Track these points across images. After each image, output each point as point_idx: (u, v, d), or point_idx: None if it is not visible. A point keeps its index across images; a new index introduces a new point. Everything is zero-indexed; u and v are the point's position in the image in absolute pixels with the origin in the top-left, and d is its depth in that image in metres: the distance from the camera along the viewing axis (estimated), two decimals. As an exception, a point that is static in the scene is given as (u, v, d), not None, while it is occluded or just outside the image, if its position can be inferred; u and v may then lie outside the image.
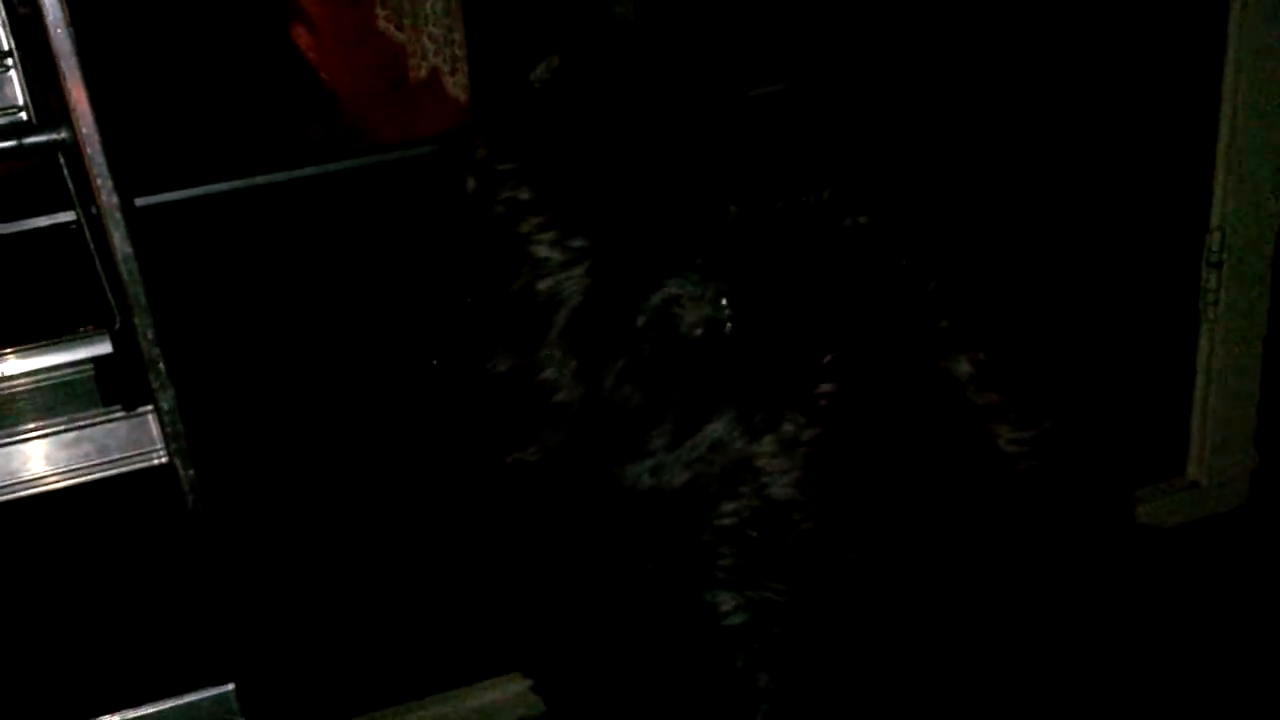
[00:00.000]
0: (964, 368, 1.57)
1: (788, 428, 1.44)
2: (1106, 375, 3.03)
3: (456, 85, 2.48)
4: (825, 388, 1.45)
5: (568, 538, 1.61)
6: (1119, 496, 1.74)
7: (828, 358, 1.47)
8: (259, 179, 2.18)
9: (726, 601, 1.45)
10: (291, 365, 2.33)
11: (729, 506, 1.45)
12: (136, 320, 1.80)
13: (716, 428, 1.46)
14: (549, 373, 1.54)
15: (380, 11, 2.49)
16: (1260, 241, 2.96)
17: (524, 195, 1.59)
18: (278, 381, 2.33)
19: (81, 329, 2.02)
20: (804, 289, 1.52)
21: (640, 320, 1.51)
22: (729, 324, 1.49)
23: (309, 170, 2.21)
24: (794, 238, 1.56)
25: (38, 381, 2.00)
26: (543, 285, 1.55)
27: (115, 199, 1.75)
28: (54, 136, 1.79)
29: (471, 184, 1.66)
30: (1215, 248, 2.95)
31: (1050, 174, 2.77)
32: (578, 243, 1.55)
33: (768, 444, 1.44)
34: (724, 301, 1.49)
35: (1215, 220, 2.94)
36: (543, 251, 1.56)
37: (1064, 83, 2.70)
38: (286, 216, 2.24)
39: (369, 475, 2.45)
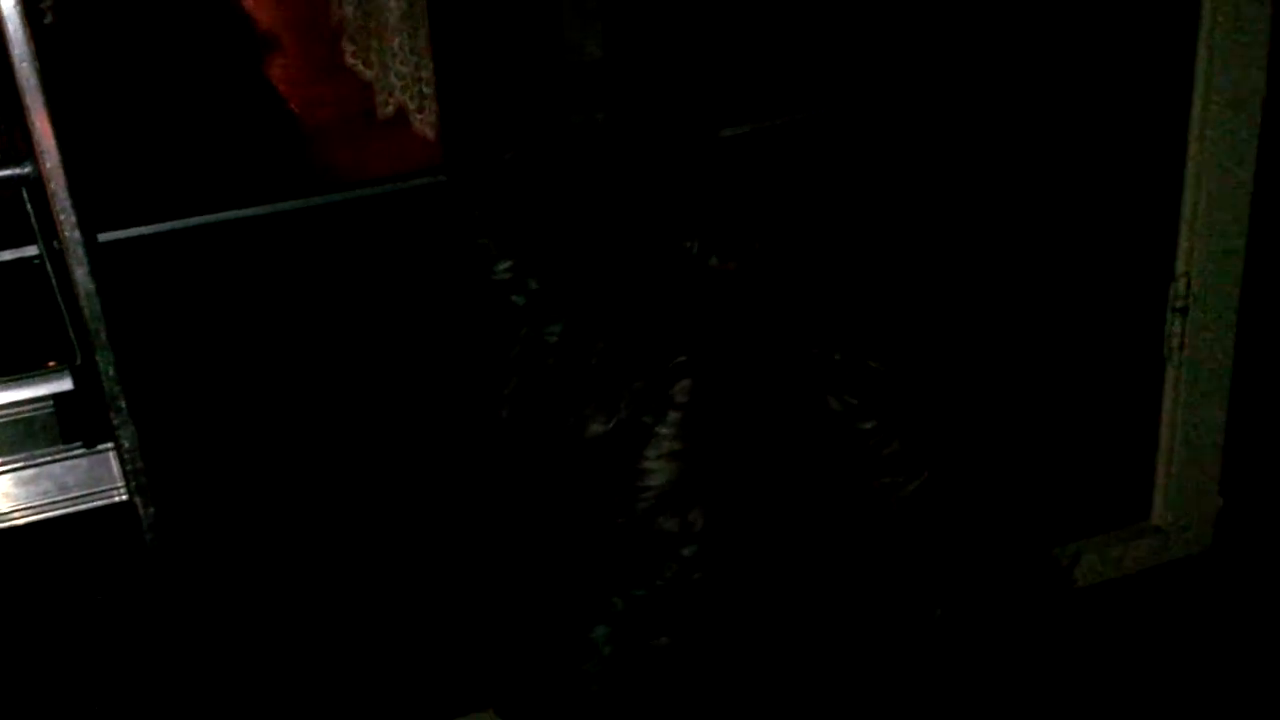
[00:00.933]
0: (835, 404, 1.65)
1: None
2: (1071, 419, 3.04)
3: (424, 123, 2.47)
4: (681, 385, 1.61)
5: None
6: (1020, 542, 1.77)
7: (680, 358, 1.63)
8: (223, 215, 2.17)
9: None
10: (254, 402, 2.31)
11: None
12: (98, 357, 1.79)
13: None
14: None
15: (348, 47, 2.48)
16: (1225, 288, 2.98)
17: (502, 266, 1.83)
18: (240, 419, 2.32)
19: (42, 365, 2.00)
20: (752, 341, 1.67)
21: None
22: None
23: (274, 207, 2.20)
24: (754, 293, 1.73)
25: (-3, 418, 1.98)
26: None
27: (78, 234, 1.74)
28: (17, 171, 1.77)
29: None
30: (1180, 294, 2.97)
31: (1016, 219, 2.78)
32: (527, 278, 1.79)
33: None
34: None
35: (1180, 267, 2.95)
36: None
37: (1031, 129, 2.71)
38: (251, 253, 2.23)
39: (332, 513, 2.44)
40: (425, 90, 2.43)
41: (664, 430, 1.62)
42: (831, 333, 1.77)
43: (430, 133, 2.46)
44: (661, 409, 1.62)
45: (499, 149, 1.92)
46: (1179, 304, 2.98)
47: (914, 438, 1.66)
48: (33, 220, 1.85)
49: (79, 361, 1.91)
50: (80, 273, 1.76)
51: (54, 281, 1.87)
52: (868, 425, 1.64)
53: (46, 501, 1.99)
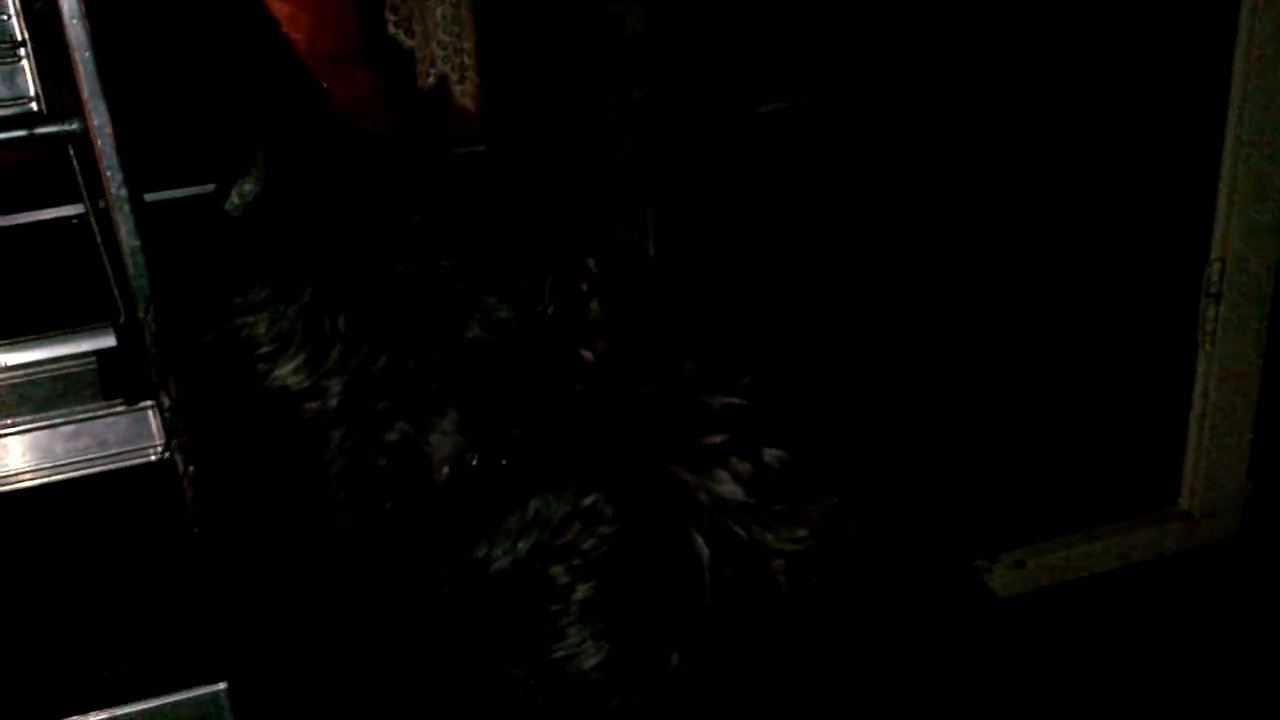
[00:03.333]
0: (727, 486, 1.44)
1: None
2: (1102, 403, 3.03)
3: (465, 94, 2.48)
4: (602, 531, 1.39)
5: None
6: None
7: (589, 500, 1.39)
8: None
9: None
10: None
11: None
12: (141, 314, 1.81)
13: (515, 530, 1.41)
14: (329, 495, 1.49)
15: (390, 17, 2.49)
16: (1260, 274, 2.97)
17: (260, 329, 1.50)
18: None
19: (84, 322, 2.02)
20: (544, 412, 1.45)
21: (382, 462, 1.45)
22: (473, 458, 1.43)
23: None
24: (527, 356, 1.48)
25: (39, 373, 2.00)
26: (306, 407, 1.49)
27: (124, 192, 1.76)
28: (64, 127, 1.79)
29: (209, 338, 1.56)
30: (1215, 279, 2.96)
31: (1052, 204, 2.78)
32: (325, 382, 1.47)
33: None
34: (459, 434, 1.43)
35: (1215, 251, 2.95)
36: (289, 380, 1.48)
37: (1068, 109, 2.71)
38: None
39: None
40: (467, 61, 2.44)
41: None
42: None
43: (471, 104, 2.48)
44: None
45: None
46: (1213, 289, 2.97)
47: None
48: (79, 177, 1.87)
49: (122, 319, 1.92)
50: (125, 230, 1.78)
51: (99, 239, 1.89)
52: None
53: (86, 458, 2.00)
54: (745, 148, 2.51)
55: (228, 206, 1.58)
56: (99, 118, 1.73)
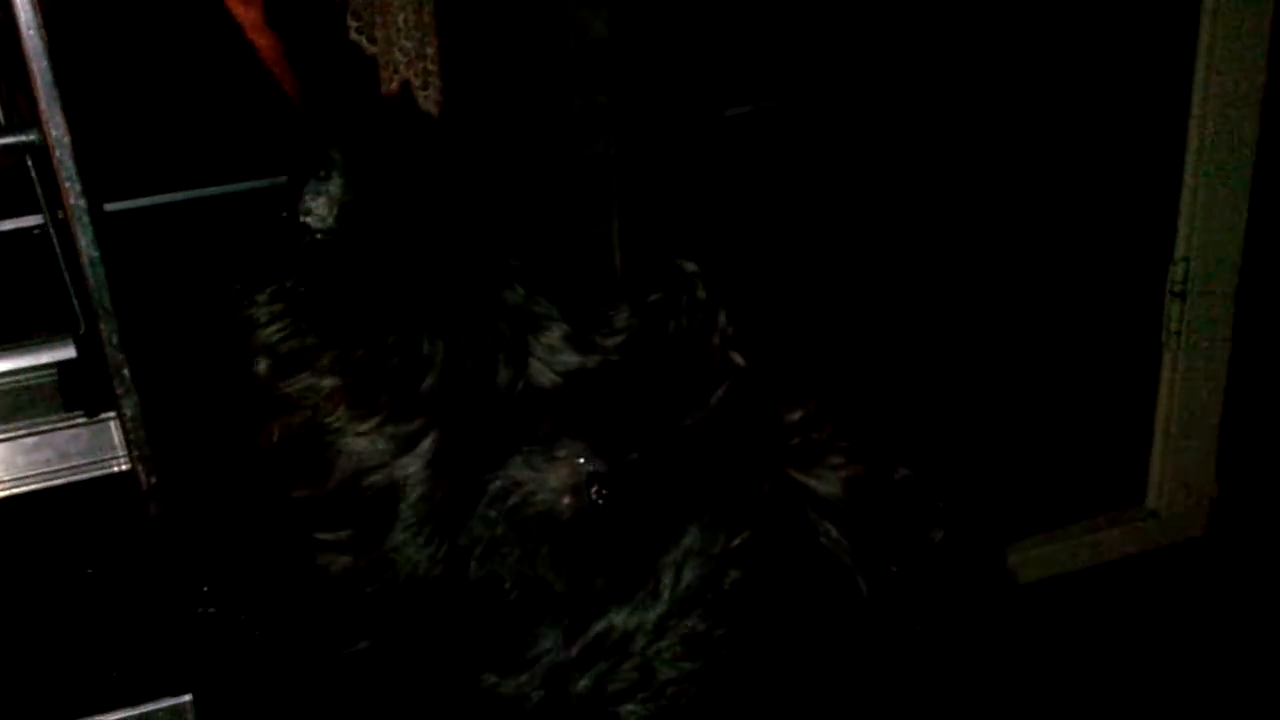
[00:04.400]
0: (835, 490, 1.34)
1: (696, 626, 1.27)
2: (1068, 403, 3.04)
3: (428, 100, 2.47)
4: (732, 576, 1.28)
5: None
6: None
7: (736, 540, 1.28)
8: (229, 187, 2.17)
9: None
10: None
11: (628, 715, 1.28)
12: (102, 325, 1.79)
13: (617, 621, 1.28)
14: (399, 568, 1.32)
15: (351, 23, 2.48)
16: (1224, 273, 2.99)
17: (326, 383, 1.33)
18: (240, 392, 2.31)
19: (44, 334, 2.00)
20: (677, 446, 1.32)
21: (492, 494, 1.30)
22: (598, 494, 1.29)
23: (281, 179, 2.20)
24: (654, 376, 1.34)
25: (-1, 385, 1.99)
26: (370, 480, 1.32)
27: (83, 202, 1.74)
28: (22, 138, 1.77)
29: (264, 367, 1.38)
30: (1179, 279, 2.97)
31: (1015, 204, 2.79)
32: (407, 428, 1.31)
33: (670, 643, 1.27)
34: (587, 466, 1.29)
35: (1180, 251, 2.96)
36: (362, 445, 1.32)
37: (1033, 110, 2.71)
38: (257, 225, 2.22)
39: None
40: (430, 67, 2.43)
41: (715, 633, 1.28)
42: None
43: (434, 110, 2.46)
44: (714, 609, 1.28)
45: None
46: (1177, 289, 2.98)
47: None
48: (38, 188, 1.86)
49: (82, 330, 1.91)
50: (85, 241, 1.76)
51: (58, 250, 1.87)
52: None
53: (47, 470, 1.99)
54: (711, 151, 2.50)
55: (308, 220, 1.41)
56: (57, 128, 1.71)
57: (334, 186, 1.40)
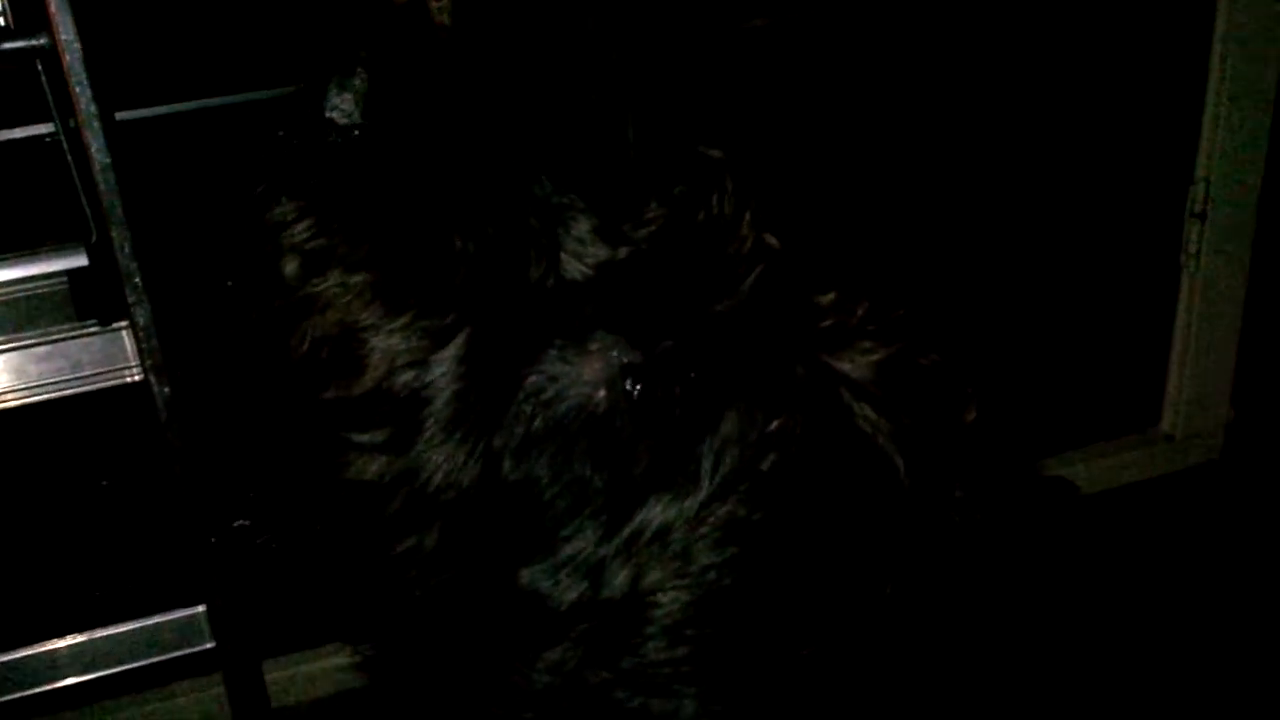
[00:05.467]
0: (868, 374, 1.34)
1: (735, 511, 1.28)
2: (1085, 324, 3.03)
3: (441, 11, 2.43)
4: (770, 459, 1.28)
5: (464, 642, 1.40)
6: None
7: (773, 425, 1.29)
8: (243, 96, 2.15)
9: (685, 709, 1.30)
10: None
11: (669, 605, 1.29)
12: (113, 233, 1.78)
13: (655, 515, 1.28)
14: (433, 471, 1.32)
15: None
16: (1244, 194, 2.96)
17: (361, 277, 1.33)
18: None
19: (56, 242, 1.99)
20: (711, 333, 1.32)
21: (527, 391, 1.29)
22: (632, 386, 1.29)
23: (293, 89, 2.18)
24: (686, 265, 1.34)
25: (11, 294, 1.97)
26: (402, 379, 1.31)
27: (94, 108, 1.73)
28: (32, 42, 1.75)
29: (292, 268, 1.37)
30: (1198, 199, 2.95)
31: (1034, 123, 2.76)
32: (438, 323, 1.31)
33: (709, 529, 1.28)
34: (621, 358, 1.29)
35: (1200, 171, 2.93)
36: (394, 341, 1.31)
37: (1046, 30, 2.68)
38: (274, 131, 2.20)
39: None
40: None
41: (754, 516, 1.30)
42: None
43: (446, 19, 2.42)
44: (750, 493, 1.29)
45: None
46: (1197, 209, 2.95)
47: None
48: (48, 94, 1.84)
49: (94, 238, 1.90)
50: (96, 148, 1.75)
51: (70, 157, 1.86)
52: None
53: (60, 379, 1.98)
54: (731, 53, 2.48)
55: (332, 114, 1.39)
56: (67, 32, 1.69)
57: (359, 81, 1.38)
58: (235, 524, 2.19)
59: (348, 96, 1.40)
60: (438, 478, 1.32)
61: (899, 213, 2.71)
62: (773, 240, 1.36)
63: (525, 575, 1.31)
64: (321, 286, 1.35)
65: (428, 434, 1.32)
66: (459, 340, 1.31)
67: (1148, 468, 3.20)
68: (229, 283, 1.55)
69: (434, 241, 1.33)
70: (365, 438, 1.34)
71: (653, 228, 1.34)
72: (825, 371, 1.32)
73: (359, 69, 1.40)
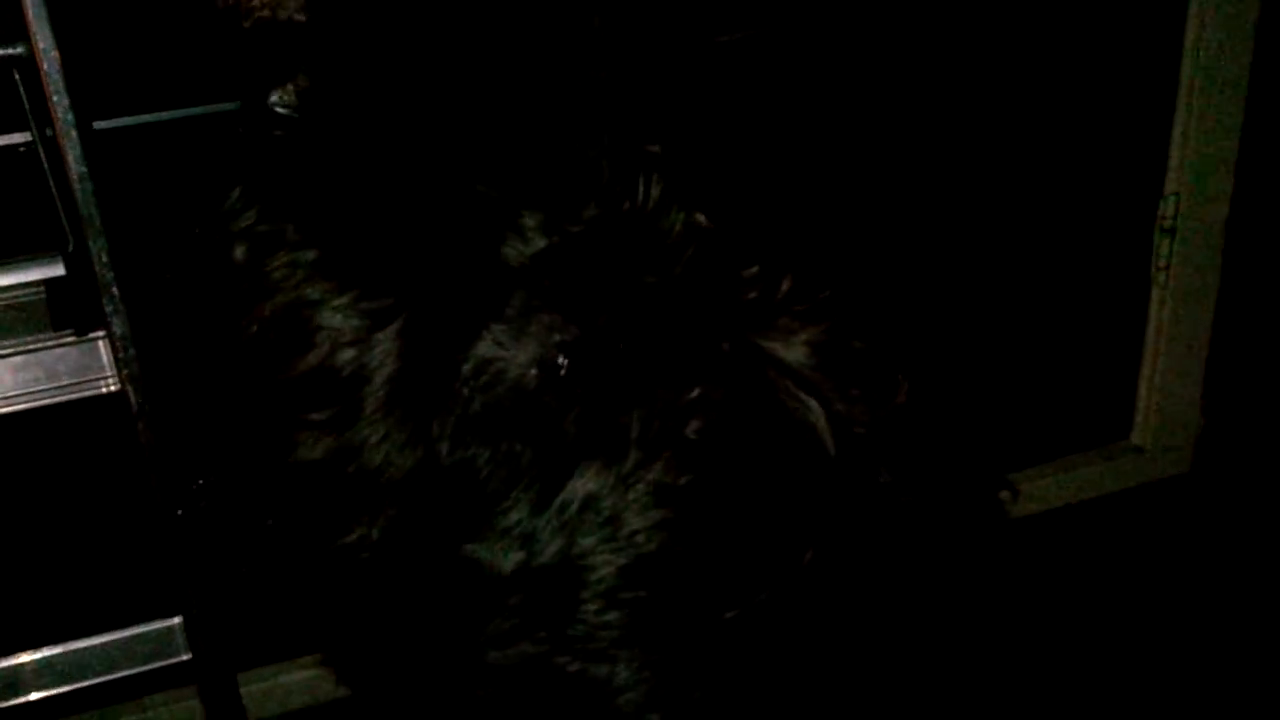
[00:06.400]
0: (798, 355, 1.39)
1: (661, 476, 1.33)
2: (1055, 336, 3.04)
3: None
4: (693, 425, 1.33)
5: (415, 623, 1.45)
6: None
7: (694, 392, 1.33)
8: (220, 106, 2.14)
9: (620, 673, 1.34)
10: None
11: (602, 569, 1.33)
12: (90, 243, 1.77)
13: (585, 483, 1.33)
14: (373, 451, 1.37)
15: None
16: (1215, 208, 2.99)
17: (307, 257, 1.39)
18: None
19: (32, 251, 1.98)
20: (642, 309, 1.36)
21: (465, 375, 1.34)
22: (563, 361, 1.34)
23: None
24: (619, 248, 1.39)
25: (-13, 303, 1.97)
26: (344, 357, 1.37)
27: (71, 117, 1.72)
28: (9, 51, 1.74)
29: (240, 252, 1.44)
30: (1169, 213, 2.97)
31: (1003, 135, 2.77)
32: (379, 304, 1.37)
33: (637, 495, 1.33)
34: (556, 337, 1.34)
35: (1170, 186, 2.95)
36: (337, 320, 1.37)
37: (1017, 46, 2.70)
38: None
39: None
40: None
41: (680, 480, 1.34)
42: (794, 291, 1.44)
43: (299, 15, 2.42)
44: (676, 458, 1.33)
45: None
46: (1167, 224, 2.98)
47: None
48: (25, 103, 1.83)
49: (71, 248, 1.89)
50: (73, 157, 1.74)
51: (46, 166, 1.85)
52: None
53: (36, 389, 1.97)
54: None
55: (275, 104, 1.42)
56: (44, 41, 1.69)
57: (300, 77, 1.43)
58: (195, 504, 2.18)
59: (289, 87, 1.42)
60: (378, 457, 1.37)
61: (874, 224, 2.72)
62: (702, 219, 1.40)
63: (467, 549, 1.35)
64: (270, 267, 1.41)
65: (368, 413, 1.37)
66: (397, 323, 1.36)
67: (1118, 480, 3.22)
68: (168, 274, 1.58)
69: (378, 226, 1.38)
70: (312, 416, 1.40)
71: (589, 223, 1.38)
72: (750, 348, 1.37)
73: (298, 63, 1.44)
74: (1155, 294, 3.08)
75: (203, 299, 1.51)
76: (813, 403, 1.35)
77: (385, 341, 1.36)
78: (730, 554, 1.36)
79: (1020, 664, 1.75)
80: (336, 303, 1.37)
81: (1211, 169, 2.94)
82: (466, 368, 1.34)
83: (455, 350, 1.34)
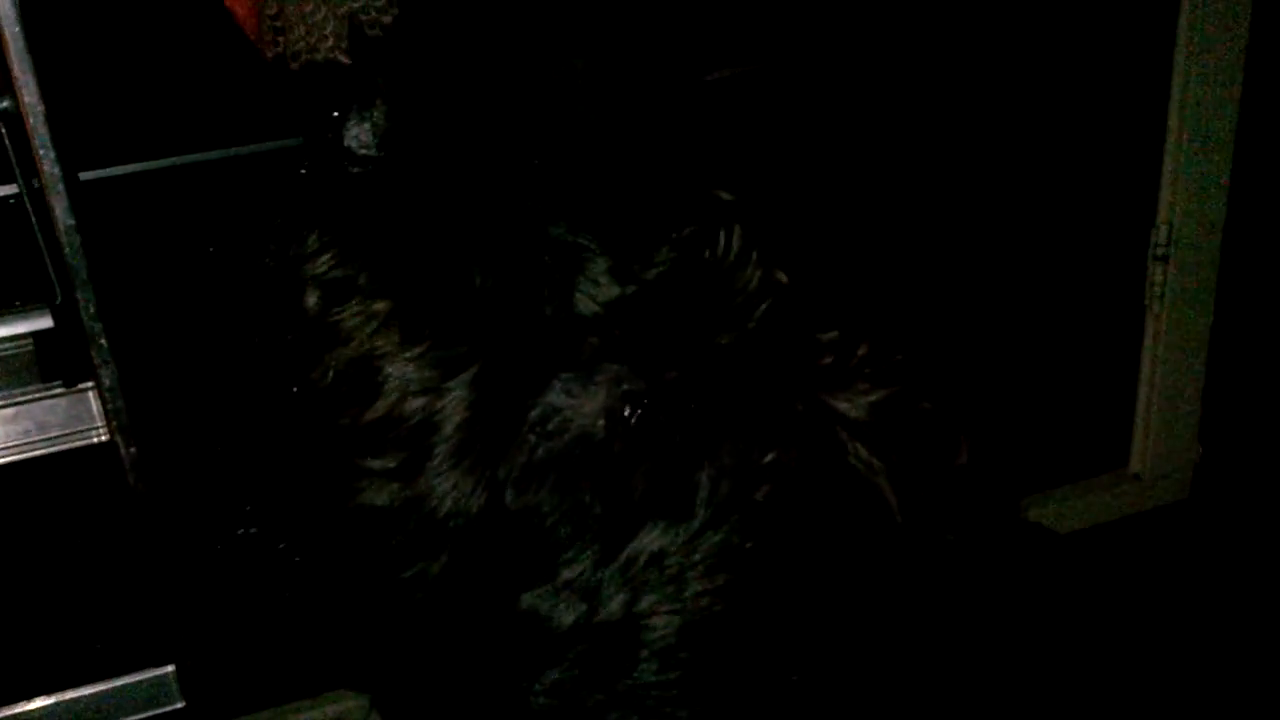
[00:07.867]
0: (867, 415, 1.39)
1: (729, 538, 1.32)
2: (1051, 365, 3.04)
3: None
4: (764, 490, 1.32)
5: (463, 665, 1.43)
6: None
7: (769, 456, 1.33)
8: (206, 155, 2.15)
9: None
10: (235, 343, 2.30)
11: (662, 629, 1.32)
12: (78, 294, 1.78)
13: (651, 540, 1.31)
14: (440, 498, 1.36)
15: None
16: (1207, 235, 2.98)
17: (379, 307, 1.37)
18: (221, 360, 2.30)
19: (20, 303, 1.98)
20: (714, 366, 1.35)
21: (532, 421, 1.33)
22: (630, 413, 1.33)
23: (257, 147, 2.18)
24: (694, 300, 1.38)
25: (-24, 356, 1.97)
26: (413, 405, 1.35)
27: (58, 170, 1.73)
28: (-4, 105, 1.76)
29: (314, 300, 1.41)
30: (1162, 241, 2.97)
31: (996, 165, 2.77)
32: (452, 353, 1.35)
33: (703, 555, 1.31)
34: (624, 387, 1.33)
35: (1162, 214, 2.95)
36: (409, 370, 1.36)
37: (1011, 73, 2.70)
38: (234, 193, 2.20)
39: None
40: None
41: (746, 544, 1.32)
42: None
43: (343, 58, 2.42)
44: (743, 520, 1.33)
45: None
46: (1160, 251, 2.97)
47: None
48: (11, 156, 1.84)
49: (59, 300, 1.89)
50: (60, 209, 1.75)
51: (33, 219, 1.86)
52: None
53: (26, 441, 1.98)
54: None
55: (351, 144, 1.40)
56: (31, 95, 1.70)
57: (378, 114, 1.40)
58: (242, 531, 2.18)
59: (366, 127, 1.42)
60: (446, 505, 1.35)
61: (869, 256, 2.72)
62: (781, 276, 1.40)
63: (526, 599, 1.34)
64: (342, 316, 1.38)
65: (436, 461, 1.35)
66: (470, 371, 1.34)
67: (1116, 508, 3.21)
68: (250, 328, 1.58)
69: (452, 275, 1.36)
70: (377, 464, 1.38)
71: (662, 268, 1.38)
72: (823, 409, 1.36)
73: (378, 99, 1.42)
74: (1150, 322, 3.07)
75: (272, 346, 1.49)
76: (880, 465, 1.34)
77: (457, 389, 1.35)
78: (795, 619, 1.35)
79: (1024, 690, 1.74)
80: (409, 354, 1.36)
81: (1204, 196, 2.94)
82: (534, 414, 1.33)
83: (524, 398, 1.34)
